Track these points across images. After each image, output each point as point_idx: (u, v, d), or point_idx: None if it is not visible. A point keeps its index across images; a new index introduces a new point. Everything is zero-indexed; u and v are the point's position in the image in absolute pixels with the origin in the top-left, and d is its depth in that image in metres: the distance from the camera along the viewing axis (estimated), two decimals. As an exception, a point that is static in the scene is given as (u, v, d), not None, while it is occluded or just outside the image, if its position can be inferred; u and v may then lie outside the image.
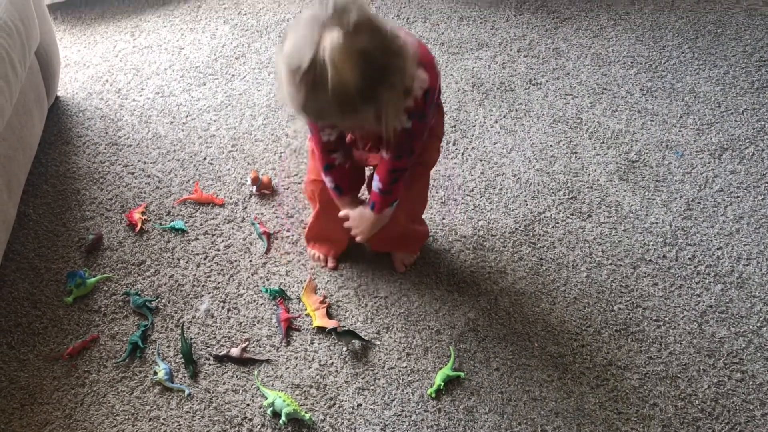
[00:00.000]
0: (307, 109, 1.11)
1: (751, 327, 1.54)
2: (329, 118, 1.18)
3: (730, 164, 1.89)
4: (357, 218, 1.45)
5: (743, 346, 1.50)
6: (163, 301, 1.55)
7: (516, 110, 2.01)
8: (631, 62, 2.17)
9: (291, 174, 1.82)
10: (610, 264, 1.66)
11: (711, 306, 1.58)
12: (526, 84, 2.09)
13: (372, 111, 1.12)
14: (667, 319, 1.55)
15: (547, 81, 2.10)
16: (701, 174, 1.87)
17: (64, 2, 2.20)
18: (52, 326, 1.49)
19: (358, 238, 1.47)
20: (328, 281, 1.60)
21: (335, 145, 1.38)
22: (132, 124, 1.92)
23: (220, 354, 1.45)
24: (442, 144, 1.89)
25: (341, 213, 1.47)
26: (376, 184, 1.39)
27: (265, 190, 1.77)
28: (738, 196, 1.82)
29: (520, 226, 1.73)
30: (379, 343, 1.49)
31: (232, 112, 1.96)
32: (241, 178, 1.81)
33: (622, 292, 1.61)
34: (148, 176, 1.80)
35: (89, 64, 2.08)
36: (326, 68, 1.03)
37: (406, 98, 1.16)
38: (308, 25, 1.05)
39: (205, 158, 1.85)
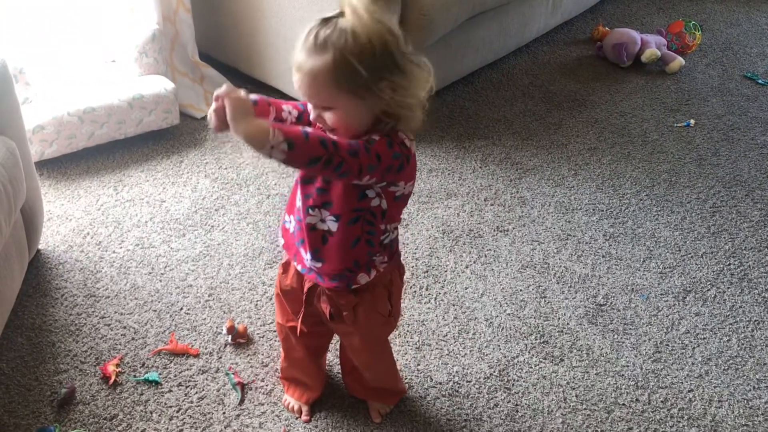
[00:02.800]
0: (303, 68, 1.11)
1: (728, 471, 1.53)
2: (320, 88, 1.12)
3: (694, 306, 1.96)
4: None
5: (722, 492, 1.49)
6: (133, 457, 1.52)
7: (485, 256, 2.09)
8: (593, 209, 2.29)
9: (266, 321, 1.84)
10: (585, 409, 1.67)
11: (687, 450, 1.58)
12: (494, 231, 2.18)
13: (367, 98, 1.13)
14: (644, 465, 1.55)
15: (513, 228, 2.19)
16: (667, 316, 1.92)
17: (50, 159, 2.30)
18: (16, 487, 1.44)
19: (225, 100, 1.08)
20: (302, 433, 1.59)
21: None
22: (111, 276, 1.95)
23: None
24: (415, 290, 1.95)
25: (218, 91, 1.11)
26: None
27: (241, 339, 1.79)
28: (704, 338, 1.86)
29: (494, 372, 1.75)
30: (354, 497, 1.45)
31: (210, 262, 2.01)
32: (217, 328, 1.82)
33: (597, 437, 1.61)
34: (124, 327, 1.81)
35: (71, 218, 2.14)
36: (350, 22, 1.09)
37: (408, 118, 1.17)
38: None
39: (181, 308, 1.87)
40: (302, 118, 1.28)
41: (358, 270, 1.33)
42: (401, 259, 1.42)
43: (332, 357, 1.73)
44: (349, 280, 1.34)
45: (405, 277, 1.96)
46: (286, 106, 1.28)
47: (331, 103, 1.15)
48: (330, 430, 1.60)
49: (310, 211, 1.28)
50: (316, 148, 1.10)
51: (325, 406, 1.65)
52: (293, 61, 1.14)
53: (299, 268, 1.38)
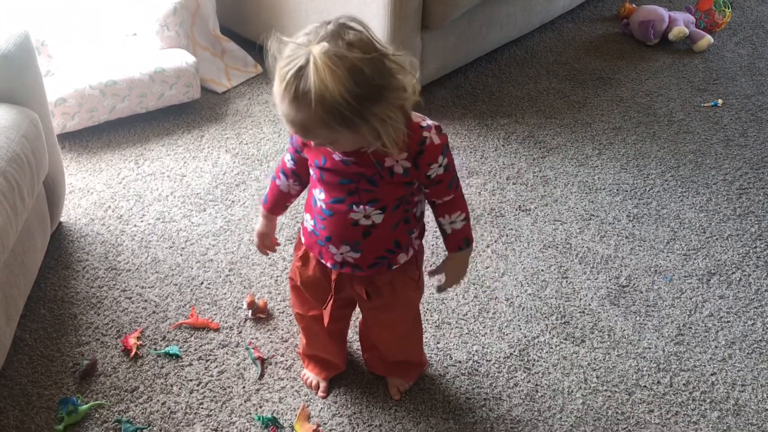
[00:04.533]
0: (294, 122, 1.10)
1: (750, 456, 1.52)
2: (315, 133, 1.12)
3: (718, 289, 1.93)
4: (453, 274, 1.43)
5: (744, 476, 1.48)
6: (154, 429, 1.53)
7: (507, 235, 2.07)
8: (617, 189, 2.26)
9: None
10: (605, 390, 1.66)
11: (709, 434, 1.57)
12: (516, 210, 2.16)
13: (364, 128, 1.09)
14: (665, 447, 1.53)
15: (536, 207, 2.17)
16: (691, 299, 1.90)
17: (72, 132, 2.30)
18: (39, 456, 1.46)
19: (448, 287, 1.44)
20: (321, 408, 1.59)
21: (294, 172, 1.41)
22: (132, 249, 1.96)
23: None
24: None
25: (429, 272, 1.43)
26: (455, 218, 1.34)
27: (261, 315, 1.79)
28: (728, 321, 1.84)
29: (514, 351, 1.74)
30: (373, 473, 1.46)
31: (231, 237, 2.01)
32: (237, 302, 1.83)
33: (618, 419, 1.60)
34: (145, 301, 1.82)
35: (93, 191, 2.15)
36: (310, 77, 1.03)
37: (405, 117, 1.15)
38: (305, 36, 1.07)
39: (202, 282, 1.88)
40: (295, 169, 1.40)
41: (399, 250, 1.34)
42: None
43: (351, 333, 1.73)
44: (390, 261, 1.35)
45: (425, 255, 1.95)
46: (289, 191, 1.44)
47: (331, 140, 1.16)
48: (349, 406, 1.60)
49: (354, 208, 1.26)
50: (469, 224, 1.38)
51: (344, 382, 1.65)
52: (279, 110, 1.12)
53: (329, 264, 1.37)
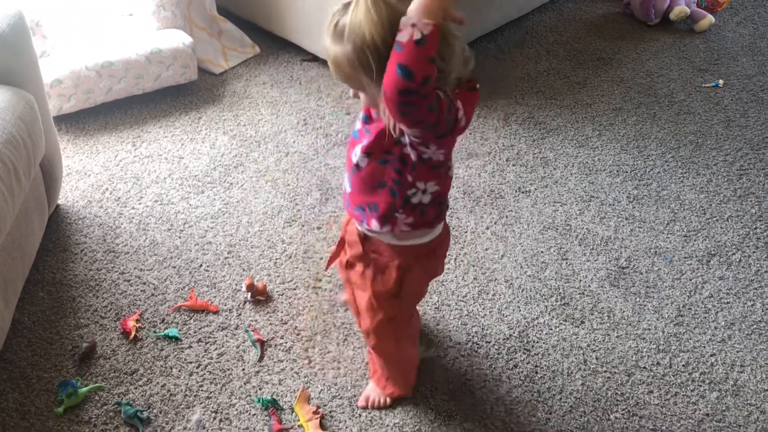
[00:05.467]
0: (329, 55, 1.11)
1: (749, 436, 1.52)
2: (345, 73, 1.11)
3: (718, 270, 1.93)
4: None
5: (743, 456, 1.48)
6: (154, 411, 1.53)
7: (506, 217, 2.06)
8: (617, 171, 2.25)
9: (286, 280, 1.84)
10: (605, 371, 1.66)
11: (708, 414, 1.57)
12: (516, 192, 2.15)
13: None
14: (664, 428, 1.54)
15: (535, 189, 2.16)
16: (690, 280, 1.89)
17: (69, 114, 2.28)
18: (40, 438, 1.46)
19: None
20: (321, 390, 1.59)
21: None
22: (130, 232, 1.95)
23: None
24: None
25: None
26: None
27: (260, 297, 1.78)
28: (728, 302, 1.84)
29: (514, 333, 1.74)
30: (373, 454, 1.46)
31: (229, 220, 2.00)
32: (236, 285, 1.82)
33: (617, 400, 1.60)
34: (144, 283, 1.81)
35: (90, 173, 2.13)
36: (349, 12, 1.05)
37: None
38: None
39: (201, 265, 1.87)
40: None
41: (374, 213, 1.27)
42: (444, 262, 1.42)
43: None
44: (364, 217, 1.30)
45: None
46: None
47: (359, 89, 1.16)
48: (349, 388, 1.60)
49: (364, 141, 1.24)
50: (431, 65, 1.03)
51: (343, 364, 1.65)
52: (324, 45, 1.13)
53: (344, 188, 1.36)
